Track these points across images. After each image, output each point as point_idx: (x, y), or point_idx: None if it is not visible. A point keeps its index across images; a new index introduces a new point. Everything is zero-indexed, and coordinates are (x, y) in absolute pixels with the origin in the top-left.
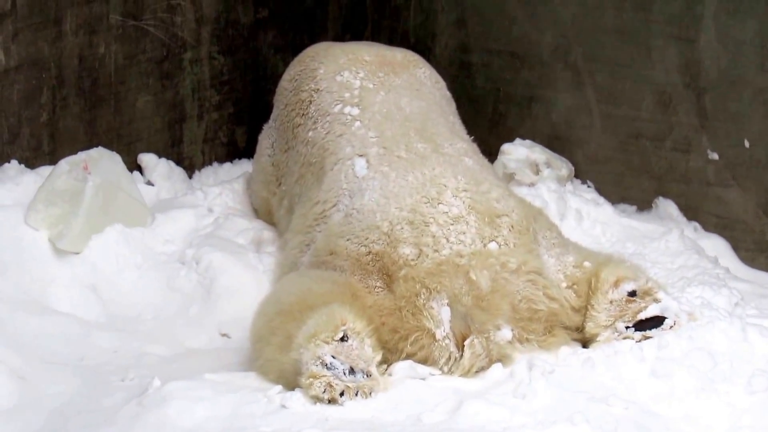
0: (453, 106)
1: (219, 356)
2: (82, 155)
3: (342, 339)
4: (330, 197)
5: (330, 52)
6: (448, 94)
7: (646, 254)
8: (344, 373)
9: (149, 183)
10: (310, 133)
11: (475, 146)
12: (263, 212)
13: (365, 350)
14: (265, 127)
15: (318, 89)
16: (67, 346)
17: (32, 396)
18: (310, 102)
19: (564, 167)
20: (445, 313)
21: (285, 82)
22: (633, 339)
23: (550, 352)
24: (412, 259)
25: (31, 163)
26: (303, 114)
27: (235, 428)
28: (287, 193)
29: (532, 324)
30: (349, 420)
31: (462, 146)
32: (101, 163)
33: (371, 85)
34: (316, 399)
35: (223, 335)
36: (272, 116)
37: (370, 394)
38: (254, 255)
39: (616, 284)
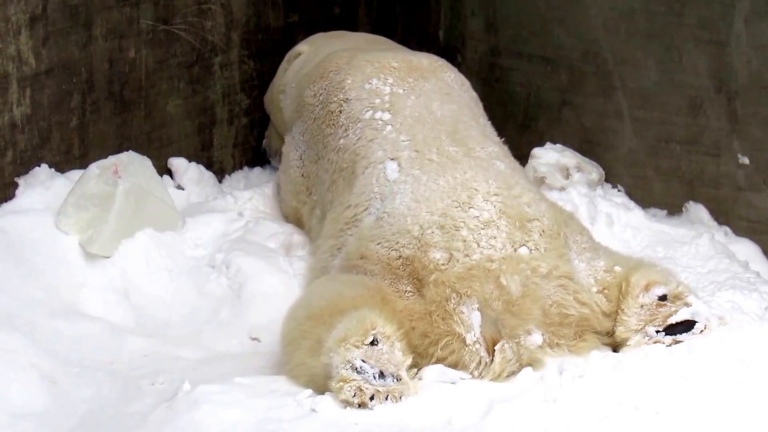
0: (481, 106)
1: (249, 360)
2: (112, 159)
3: (372, 343)
4: (361, 201)
5: (354, 63)
6: (475, 94)
7: (677, 258)
8: (374, 377)
9: (179, 187)
10: (342, 141)
11: (506, 149)
12: (293, 221)
13: (395, 354)
14: (287, 138)
15: (347, 99)
16: (98, 350)
17: (63, 400)
18: (340, 112)
19: (594, 171)
20: (476, 318)
21: (309, 98)
22: (663, 343)
23: (581, 357)
24: (443, 264)
25: (61, 167)
26: (333, 124)
27: None
28: (319, 201)
29: (562, 329)
30: (379, 424)
31: (493, 150)
32: (131, 167)
33: (401, 91)
34: (346, 403)
35: (253, 339)
36: (298, 130)
37: (400, 398)
38: (284, 259)
39: (647, 288)
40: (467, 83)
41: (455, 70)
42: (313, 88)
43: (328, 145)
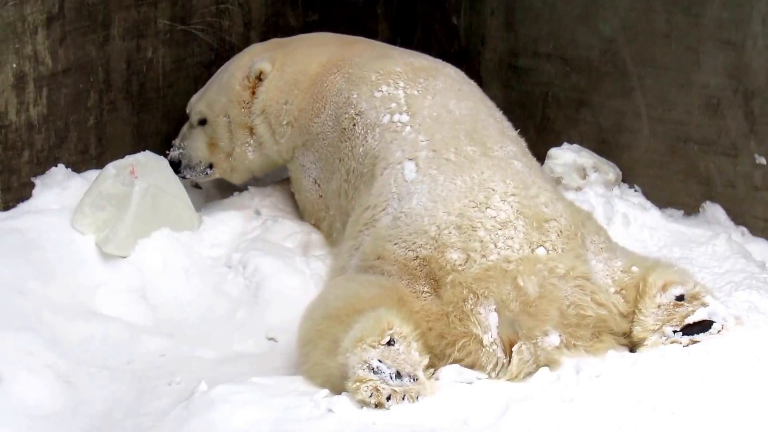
0: (487, 96)
1: (266, 360)
2: (129, 159)
3: (389, 343)
4: (379, 201)
5: (354, 78)
6: (475, 83)
7: (694, 258)
8: (391, 378)
9: (196, 186)
10: (361, 149)
11: (524, 146)
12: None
13: (412, 354)
14: (293, 166)
15: (360, 111)
16: (114, 350)
17: (79, 400)
18: (354, 125)
19: (611, 171)
20: (493, 319)
21: (317, 129)
22: (680, 343)
23: (597, 357)
24: (460, 264)
25: (78, 167)
26: (348, 138)
27: None
28: (337, 214)
29: (580, 330)
30: (395, 424)
31: (511, 149)
32: (148, 166)
33: (416, 92)
34: (363, 403)
35: (270, 339)
36: (308, 159)
37: (417, 398)
38: (301, 259)
39: (664, 288)
40: (465, 75)
41: (451, 65)
42: (317, 120)
43: (345, 157)
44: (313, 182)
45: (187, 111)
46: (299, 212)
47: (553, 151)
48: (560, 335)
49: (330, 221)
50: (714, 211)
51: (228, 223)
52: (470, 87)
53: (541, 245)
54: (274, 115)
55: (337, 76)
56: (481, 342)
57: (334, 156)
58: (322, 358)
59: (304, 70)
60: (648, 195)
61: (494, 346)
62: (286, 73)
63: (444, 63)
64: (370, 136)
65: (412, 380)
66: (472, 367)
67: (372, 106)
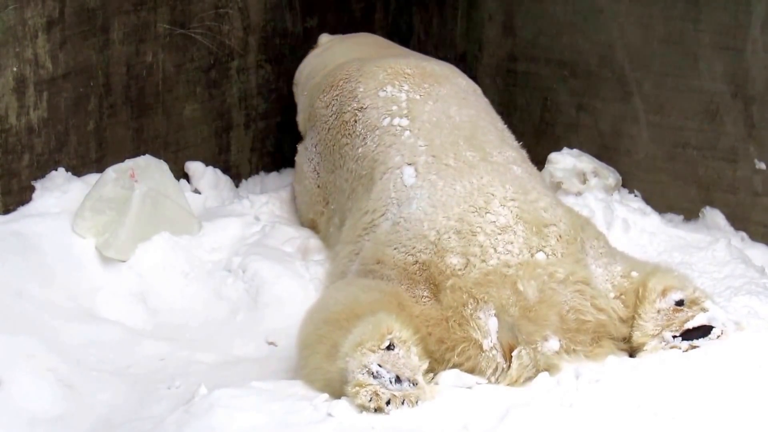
0: (494, 111)
1: (265, 364)
2: (129, 163)
3: (388, 348)
4: (378, 206)
5: (365, 70)
6: (487, 100)
7: (693, 264)
8: (390, 382)
9: (196, 191)
10: (360, 150)
11: (524, 153)
12: (310, 228)
13: (411, 359)
14: (300, 148)
15: (362, 107)
16: (114, 353)
17: (79, 403)
18: (356, 121)
19: (611, 176)
20: (493, 324)
21: (321, 109)
22: (680, 348)
23: (597, 362)
24: (460, 269)
25: (78, 170)
26: (349, 134)
27: None
28: (337, 210)
29: (579, 335)
30: (395, 428)
31: (510, 154)
32: (148, 171)
33: (418, 96)
34: (363, 408)
35: (270, 343)
36: (311, 141)
37: (417, 402)
38: (301, 263)
39: (664, 293)
40: (479, 89)
41: (466, 76)
42: (324, 98)
43: (345, 155)
44: (313, 170)
45: None
46: (297, 210)
47: (553, 156)
48: (560, 340)
49: (328, 216)
50: (714, 216)
51: (227, 228)
52: (476, 98)
53: (540, 250)
54: (300, 86)
55: (352, 64)
56: (480, 347)
57: (334, 147)
58: (321, 362)
59: (335, 59)
60: (648, 200)
61: (494, 351)
62: (323, 56)
63: (459, 73)
64: (369, 138)
65: (411, 385)
66: (471, 371)
67: (374, 105)
